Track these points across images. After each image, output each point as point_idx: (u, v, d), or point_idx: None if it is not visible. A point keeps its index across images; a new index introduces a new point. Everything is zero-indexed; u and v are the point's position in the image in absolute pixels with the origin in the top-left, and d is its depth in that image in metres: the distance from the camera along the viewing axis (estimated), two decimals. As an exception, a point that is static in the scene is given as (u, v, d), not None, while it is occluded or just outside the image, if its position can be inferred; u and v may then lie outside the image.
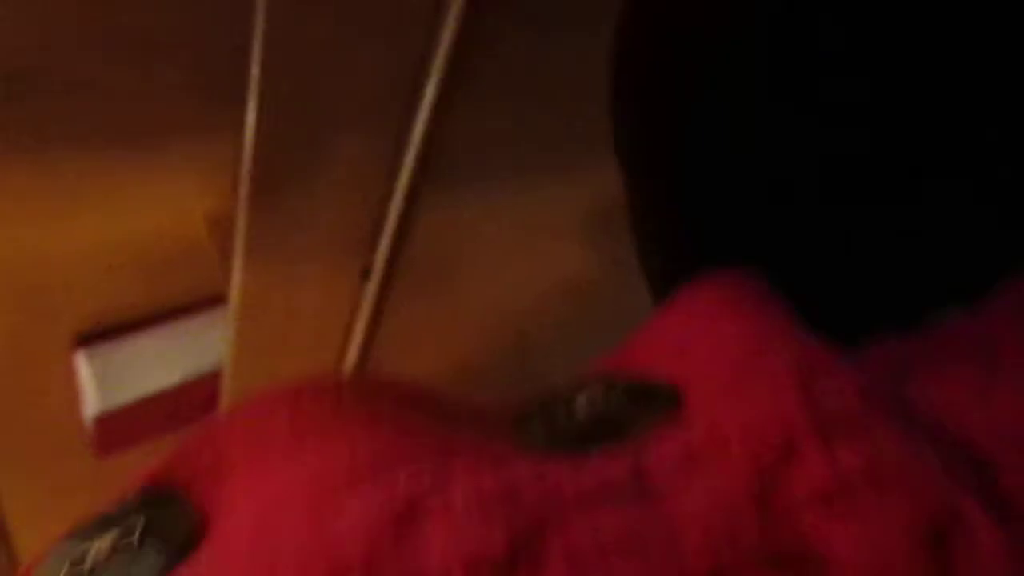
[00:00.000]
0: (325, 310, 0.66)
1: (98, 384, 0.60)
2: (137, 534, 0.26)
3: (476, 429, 0.26)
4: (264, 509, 0.23)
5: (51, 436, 0.66)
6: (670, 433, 0.22)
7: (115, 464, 0.67)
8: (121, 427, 0.63)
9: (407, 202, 0.62)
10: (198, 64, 0.54)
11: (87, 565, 0.26)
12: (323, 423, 0.26)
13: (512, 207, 0.79)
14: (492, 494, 0.20)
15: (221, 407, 0.65)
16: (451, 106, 0.58)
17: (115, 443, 0.65)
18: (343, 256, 0.63)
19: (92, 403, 0.61)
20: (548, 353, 1.01)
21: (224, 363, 0.63)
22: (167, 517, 0.27)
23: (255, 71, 0.50)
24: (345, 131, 0.57)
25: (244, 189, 0.55)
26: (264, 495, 0.24)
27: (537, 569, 0.18)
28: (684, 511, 0.19)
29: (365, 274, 0.65)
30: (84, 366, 0.61)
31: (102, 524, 0.27)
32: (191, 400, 0.65)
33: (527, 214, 0.80)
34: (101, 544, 0.26)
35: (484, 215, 0.77)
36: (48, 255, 0.58)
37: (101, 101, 0.53)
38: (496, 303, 0.89)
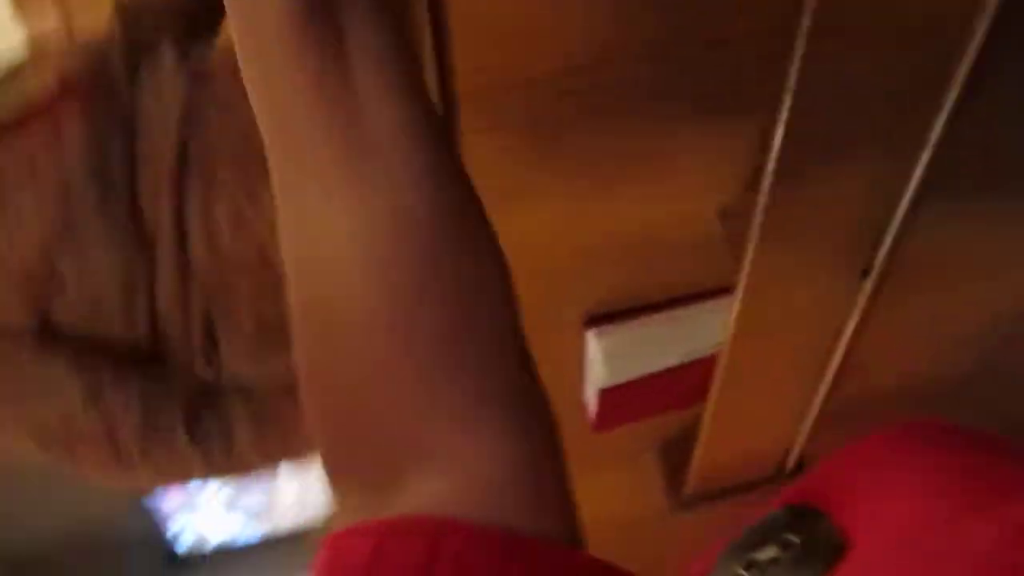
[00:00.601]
0: (821, 305, 0.65)
1: (604, 361, 0.64)
2: (793, 548, 0.30)
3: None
4: (898, 530, 0.28)
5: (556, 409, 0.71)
6: None
7: (603, 439, 0.72)
8: (620, 403, 0.67)
9: (913, 205, 0.61)
10: (730, 64, 0.55)
11: (754, 572, 0.30)
12: (928, 457, 0.31)
13: (1011, 218, 0.75)
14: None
15: (711, 391, 0.67)
16: (966, 113, 0.56)
17: (613, 418, 0.69)
18: (846, 254, 0.63)
19: (597, 379, 0.65)
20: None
21: (719, 349, 0.65)
22: (816, 532, 0.30)
23: (793, 70, 0.51)
24: (866, 133, 0.56)
25: (766, 185, 0.56)
26: (896, 517, 0.29)
27: None
28: None
29: (864, 273, 0.64)
30: (592, 344, 0.65)
31: (760, 536, 0.31)
32: (683, 382, 0.68)
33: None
34: (764, 555, 0.30)
35: (983, 224, 0.74)
36: (565, 239, 0.63)
37: (638, 97, 0.56)
38: (983, 311, 0.85)
